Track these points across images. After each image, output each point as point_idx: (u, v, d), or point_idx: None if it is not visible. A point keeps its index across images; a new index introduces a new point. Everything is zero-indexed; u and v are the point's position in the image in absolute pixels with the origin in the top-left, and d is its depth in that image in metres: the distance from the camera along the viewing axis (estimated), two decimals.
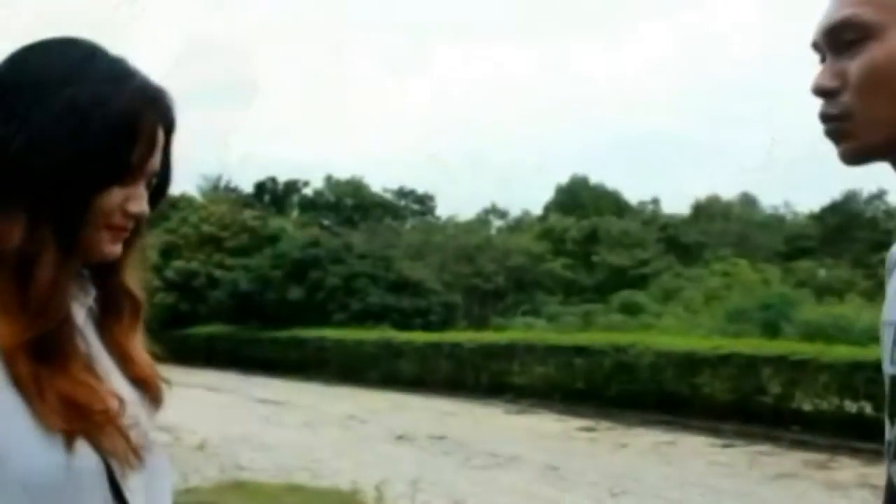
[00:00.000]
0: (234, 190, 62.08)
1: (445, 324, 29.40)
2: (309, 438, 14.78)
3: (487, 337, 23.04)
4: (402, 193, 71.38)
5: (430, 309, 30.64)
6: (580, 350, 18.60)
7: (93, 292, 1.41)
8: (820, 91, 1.18)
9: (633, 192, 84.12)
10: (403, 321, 28.47)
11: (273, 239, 34.44)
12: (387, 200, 69.69)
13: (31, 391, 1.23)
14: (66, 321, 1.31)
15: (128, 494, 1.32)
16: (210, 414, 17.84)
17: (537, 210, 55.85)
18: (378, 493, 9.66)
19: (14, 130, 1.28)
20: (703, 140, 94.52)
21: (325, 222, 58.76)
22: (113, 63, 1.35)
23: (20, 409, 1.23)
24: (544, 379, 19.23)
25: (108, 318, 1.44)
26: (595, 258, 40.88)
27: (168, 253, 35.54)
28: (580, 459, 12.82)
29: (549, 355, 19.39)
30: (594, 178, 59.00)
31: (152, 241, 37.45)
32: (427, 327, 27.63)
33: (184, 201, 46.20)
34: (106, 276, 1.46)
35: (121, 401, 1.31)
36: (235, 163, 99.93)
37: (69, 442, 1.24)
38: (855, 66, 1.15)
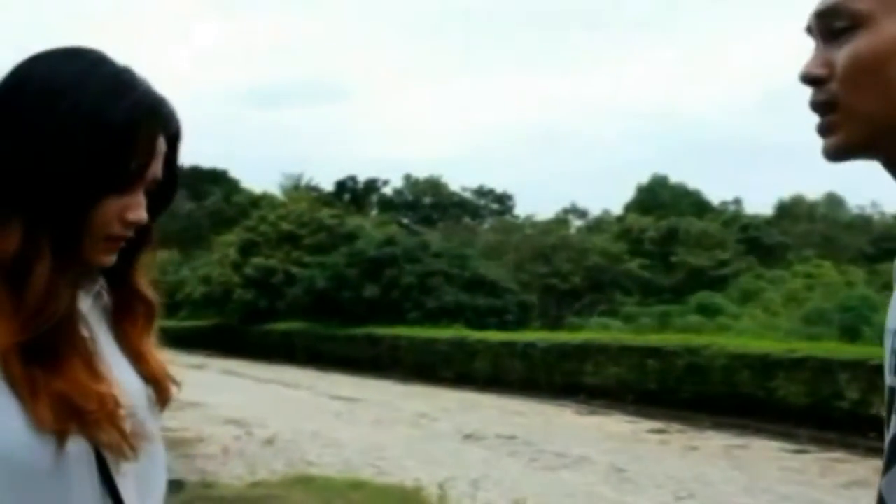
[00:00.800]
0: (315, 188, 62.79)
1: (520, 323, 29.31)
2: (379, 435, 14.89)
3: (561, 337, 22.94)
4: (481, 192, 71.46)
5: (506, 308, 30.59)
6: (653, 351, 18.42)
7: (100, 281, 1.46)
8: (807, 78, 1.15)
9: (715, 193, 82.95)
10: (478, 320, 28.47)
11: (350, 237, 34.74)
12: (465, 199, 69.83)
13: (24, 391, 1.28)
14: (64, 322, 1.34)
15: (119, 480, 1.36)
16: (284, 409, 18.11)
17: (617, 210, 55.40)
18: (441, 490, 9.69)
19: (15, 140, 1.32)
20: (788, 139, 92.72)
21: (404, 221, 59.16)
22: (115, 74, 1.38)
23: (13, 408, 1.27)
24: (617, 380, 19.09)
25: (123, 318, 1.50)
26: (673, 258, 40.36)
27: (247, 250, 36.09)
28: (648, 462, 12.69)
29: (621, 356, 19.25)
30: (675, 178, 58.32)
31: (232, 238, 38.26)
32: (502, 327, 27.58)
33: (265, 199, 46.88)
34: (119, 279, 1.51)
35: (115, 396, 1.35)
36: (318, 161, 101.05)
37: (60, 438, 1.28)
38: (842, 55, 1.12)
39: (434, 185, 69.36)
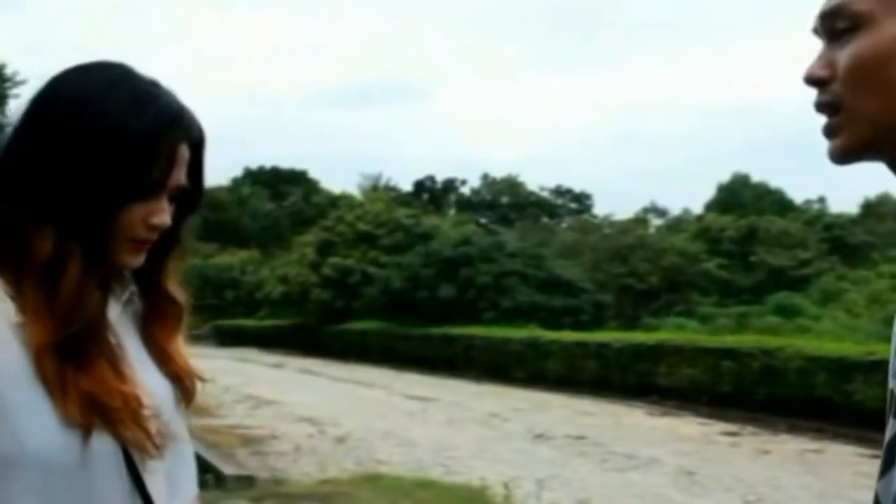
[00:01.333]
0: (394, 188, 63.15)
1: (596, 323, 29.15)
2: (450, 435, 14.99)
3: (635, 337, 22.78)
4: (559, 192, 71.16)
5: (581, 308, 30.45)
6: (728, 352, 18.20)
7: (131, 288, 1.56)
8: (810, 80, 1.15)
9: (799, 191, 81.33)
10: (553, 320, 28.38)
11: (426, 237, 34.91)
12: (543, 199, 69.61)
13: (55, 388, 1.37)
14: (93, 323, 1.44)
15: (147, 477, 1.45)
16: (358, 408, 18.32)
17: (698, 209, 54.69)
18: (506, 490, 9.74)
19: (47, 150, 1.43)
20: None
21: (482, 220, 59.18)
22: (140, 87, 1.48)
23: (43, 404, 1.37)
24: (690, 381, 18.90)
25: (152, 318, 1.59)
26: (753, 258, 39.68)
27: (325, 250, 36.48)
28: (718, 464, 12.57)
29: (696, 357, 19.05)
30: (757, 177, 57.39)
31: (310, 238, 38.69)
32: (577, 327, 27.46)
33: (343, 199, 47.32)
34: (149, 281, 1.61)
35: (139, 395, 1.44)
36: (396, 161, 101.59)
37: (86, 433, 1.37)
38: (843, 56, 1.11)
39: (512, 185, 69.29)
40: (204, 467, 11.51)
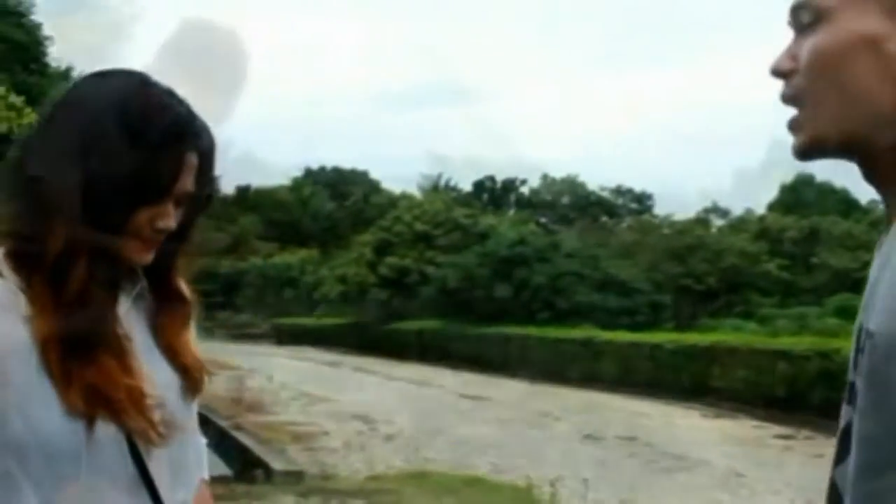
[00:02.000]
0: (454, 188, 63.23)
1: (653, 324, 28.94)
2: (500, 434, 15.03)
3: (689, 338, 22.58)
4: (619, 192, 70.67)
5: (637, 309, 30.25)
6: (783, 354, 17.98)
7: (141, 284, 1.65)
8: (775, 72, 1.16)
9: (864, 192, 79.67)
10: (609, 320, 28.24)
11: (483, 236, 34.96)
12: (603, 198, 69.19)
13: (59, 379, 1.46)
14: (99, 319, 1.54)
15: (150, 464, 1.54)
16: (411, 406, 18.43)
17: (761, 209, 53.95)
18: (552, 488, 9.78)
19: (64, 153, 1.53)
20: None
21: (542, 220, 59.01)
22: (154, 96, 1.58)
23: (49, 394, 1.46)
24: (745, 383, 18.71)
25: (161, 313, 1.67)
26: (814, 259, 39.09)
27: (382, 250, 36.72)
28: (769, 468, 12.46)
29: (750, 359, 18.85)
30: (821, 177, 56.43)
31: (368, 238, 38.94)
32: (634, 327, 27.29)
33: (403, 199, 47.52)
34: (160, 278, 1.70)
35: (143, 387, 1.53)
36: (457, 162, 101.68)
37: (90, 422, 1.47)
38: (804, 48, 1.12)
39: (571, 185, 68.98)
40: (254, 462, 11.72)
